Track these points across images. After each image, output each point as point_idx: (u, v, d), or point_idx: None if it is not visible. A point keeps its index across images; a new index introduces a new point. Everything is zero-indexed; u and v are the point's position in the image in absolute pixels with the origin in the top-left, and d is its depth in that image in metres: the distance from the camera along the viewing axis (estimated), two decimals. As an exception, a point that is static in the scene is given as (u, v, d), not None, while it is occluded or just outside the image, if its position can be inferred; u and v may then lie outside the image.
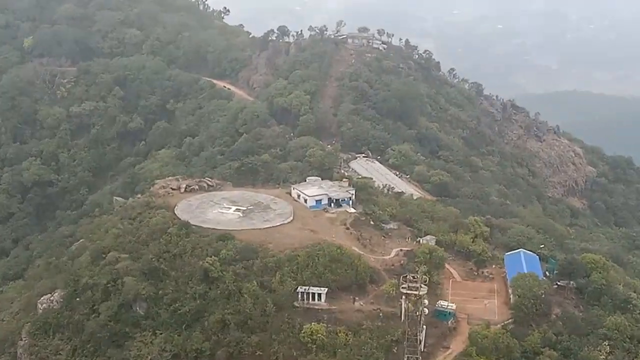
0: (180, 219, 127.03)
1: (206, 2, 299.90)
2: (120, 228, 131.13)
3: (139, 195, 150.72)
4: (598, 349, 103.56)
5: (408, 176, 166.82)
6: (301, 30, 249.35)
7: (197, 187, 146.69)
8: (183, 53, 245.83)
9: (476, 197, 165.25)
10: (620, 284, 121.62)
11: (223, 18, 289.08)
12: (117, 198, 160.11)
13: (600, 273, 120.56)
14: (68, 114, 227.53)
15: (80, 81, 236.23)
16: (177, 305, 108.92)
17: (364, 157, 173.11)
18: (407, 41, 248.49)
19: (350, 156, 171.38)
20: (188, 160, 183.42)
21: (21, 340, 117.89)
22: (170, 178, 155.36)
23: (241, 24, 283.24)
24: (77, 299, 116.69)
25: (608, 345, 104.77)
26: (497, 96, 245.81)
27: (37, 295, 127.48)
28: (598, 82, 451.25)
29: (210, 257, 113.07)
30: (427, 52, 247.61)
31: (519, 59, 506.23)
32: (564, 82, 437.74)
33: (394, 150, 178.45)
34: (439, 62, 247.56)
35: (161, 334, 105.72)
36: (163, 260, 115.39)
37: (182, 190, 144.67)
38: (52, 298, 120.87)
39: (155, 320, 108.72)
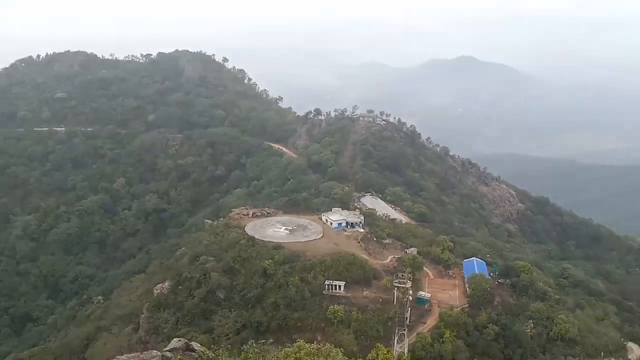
0: (248, 235, 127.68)
1: (267, 92, 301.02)
2: (209, 240, 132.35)
3: (222, 219, 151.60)
4: (525, 325, 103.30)
5: (399, 208, 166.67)
6: (329, 111, 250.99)
7: (259, 213, 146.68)
8: (252, 126, 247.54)
9: (444, 222, 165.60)
10: (540, 282, 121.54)
11: (278, 103, 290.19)
12: (207, 220, 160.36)
13: (526, 274, 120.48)
14: (176, 165, 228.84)
15: (184, 144, 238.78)
16: (245, 292, 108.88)
17: (370, 195, 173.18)
18: (399, 119, 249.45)
19: (360, 194, 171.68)
20: (254, 196, 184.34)
21: (142, 313, 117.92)
22: (242, 207, 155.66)
23: (290, 107, 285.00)
24: (180, 287, 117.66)
25: (532, 322, 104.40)
26: (458, 156, 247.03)
27: (153, 284, 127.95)
28: (527, 146, 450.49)
29: (268, 260, 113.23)
30: (412, 126, 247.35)
31: (473, 130, 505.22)
32: (504, 146, 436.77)
33: (389, 191, 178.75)
34: (419, 133, 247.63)
35: (234, 311, 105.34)
36: (236, 262, 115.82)
37: (250, 215, 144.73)
38: (163, 286, 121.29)
39: (230, 302, 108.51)
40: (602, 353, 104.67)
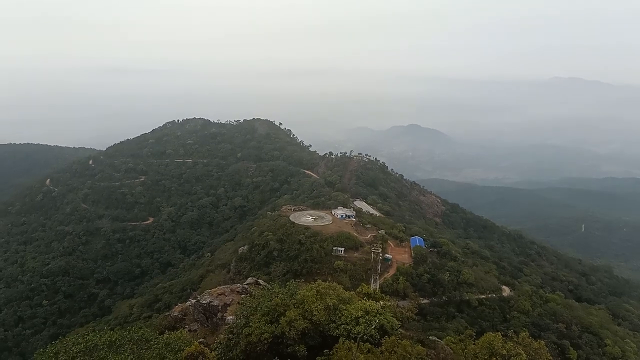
0: (290, 221, 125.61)
1: (303, 142, 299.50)
2: (269, 223, 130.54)
3: (276, 211, 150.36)
4: (445, 275, 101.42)
5: (375, 207, 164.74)
6: (337, 153, 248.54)
7: (297, 209, 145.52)
8: (294, 160, 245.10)
9: (400, 216, 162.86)
10: (453, 251, 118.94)
11: (308, 147, 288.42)
12: (268, 212, 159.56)
13: (445, 246, 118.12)
14: (252, 181, 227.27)
15: (257, 170, 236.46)
16: (289, 252, 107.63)
17: (359, 200, 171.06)
18: (375, 158, 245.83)
19: (353, 199, 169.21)
20: (295, 199, 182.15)
21: (232, 263, 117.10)
22: (287, 205, 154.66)
23: (315, 150, 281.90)
24: (253, 249, 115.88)
25: (448, 273, 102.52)
26: (408, 179, 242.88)
27: (238, 247, 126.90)
28: (448, 175, 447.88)
29: (301, 235, 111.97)
30: (383, 162, 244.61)
31: (416, 166, 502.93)
32: (435, 174, 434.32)
33: (370, 198, 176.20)
34: (387, 166, 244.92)
35: (283, 263, 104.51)
36: (284, 235, 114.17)
37: (292, 210, 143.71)
38: (244, 248, 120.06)
39: (281, 258, 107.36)
40: (487, 291, 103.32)
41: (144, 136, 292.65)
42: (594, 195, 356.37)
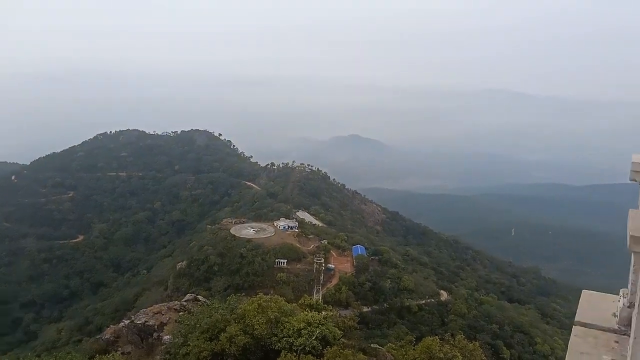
0: (231, 234, 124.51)
1: (243, 152, 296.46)
2: (209, 237, 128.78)
3: (217, 224, 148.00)
4: (386, 282, 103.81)
5: (317, 217, 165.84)
6: (281, 164, 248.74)
7: (238, 222, 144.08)
8: (234, 172, 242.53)
9: (342, 225, 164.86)
10: (393, 258, 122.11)
11: (250, 158, 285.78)
12: (208, 226, 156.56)
13: (386, 254, 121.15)
14: (190, 194, 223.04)
15: (196, 182, 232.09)
16: (230, 266, 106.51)
17: (301, 210, 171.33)
18: (317, 168, 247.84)
19: (296, 210, 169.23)
20: (235, 211, 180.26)
21: (170, 280, 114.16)
22: (228, 218, 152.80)
23: (257, 161, 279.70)
24: (192, 264, 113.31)
25: (389, 280, 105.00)
26: (350, 188, 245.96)
27: (176, 262, 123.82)
28: (386, 184, 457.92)
29: (243, 248, 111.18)
30: (325, 172, 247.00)
31: (358, 175, 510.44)
32: (375, 184, 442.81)
33: (312, 208, 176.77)
34: (329, 176, 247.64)
35: (223, 277, 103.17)
36: (225, 249, 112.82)
37: (233, 223, 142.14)
38: (182, 264, 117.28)
39: (221, 272, 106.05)
40: (427, 296, 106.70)
41: (72, 149, 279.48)
42: (523, 200, 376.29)
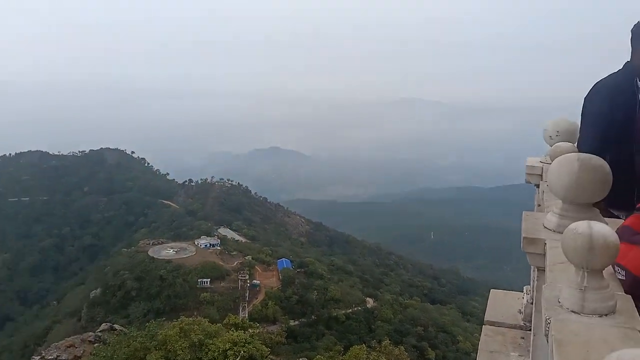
0: (150, 256, 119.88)
1: (159, 170, 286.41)
2: (125, 261, 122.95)
3: (133, 248, 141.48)
4: (313, 294, 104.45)
5: (240, 233, 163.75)
6: (199, 180, 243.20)
7: (157, 242, 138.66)
8: (150, 190, 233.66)
9: (266, 240, 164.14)
10: (319, 269, 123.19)
11: (166, 176, 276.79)
12: (124, 249, 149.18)
13: (312, 265, 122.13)
14: (103, 217, 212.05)
15: (108, 203, 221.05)
16: (149, 290, 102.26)
17: (223, 227, 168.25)
18: (238, 183, 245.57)
19: (217, 227, 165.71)
20: (153, 232, 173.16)
21: (83, 310, 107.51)
22: (145, 240, 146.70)
23: (174, 178, 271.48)
24: (107, 291, 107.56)
25: (316, 292, 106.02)
26: (272, 201, 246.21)
27: (89, 290, 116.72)
28: (310, 195, 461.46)
29: (162, 270, 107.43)
30: (246, 186, 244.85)
31: (280, 188, 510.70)
32: (298, 195, 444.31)
33: (234, 224, 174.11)
34: (250, 190, 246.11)
35: (142, 303, 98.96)
36: (142, 272, 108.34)
37: (150, 244, 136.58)
38: (96, 292, 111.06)
39: (140, 297, 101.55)
40: (353, 305, 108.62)
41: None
42: (439, 203, 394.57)
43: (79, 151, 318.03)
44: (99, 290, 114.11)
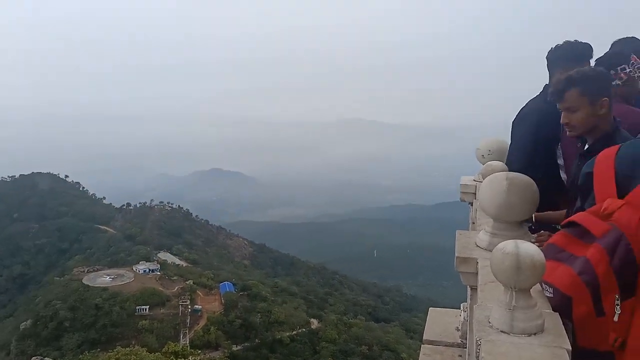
0: (85, 284, 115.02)
1: (95, 194, 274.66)
2: (58, 290, 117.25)
3: (67, 275, 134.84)
4: (256, 317, 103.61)
5: (181, 257, 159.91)
6: (137, 204, 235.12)
7: (92, 269, 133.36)
8: (86, 215, 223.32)
9: (208, 263, 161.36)
10: (263, 291, 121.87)
11: (102, 200, 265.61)
12: (56, 277, 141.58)
13: (256, 287, 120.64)
14: (34, 244, 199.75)
15: (41, 230, 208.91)
16: (83, 320, 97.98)
17: (163, 251, 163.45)
18: (179, 206, 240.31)
19: (157, 251, 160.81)
20: (88, 259, 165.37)
21: (12, 343, 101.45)
22: (80, 267, 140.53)
23: (110, 202, 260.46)
24: (38, 323, 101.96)
25: (259, 314, 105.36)
26: (213, 224, 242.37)
27: (20, 323, 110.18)
28: (254, 216, 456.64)
29: (98, 298, 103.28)
30: (187, 209, 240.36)
31: (222, 210, 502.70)
32: (240, 217, 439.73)
33: (175, 248, 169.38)
34: (192, 213, 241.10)
35: (77, 333, 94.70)
36: (77, 302, 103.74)
37: (85, 272, 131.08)
38: (26, 324, 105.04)
39: (74, 328, 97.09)
40: (298, 326, 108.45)
41: None
42: (382, 222, 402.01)
43: (8, 176, 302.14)
44: (29, 321, 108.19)
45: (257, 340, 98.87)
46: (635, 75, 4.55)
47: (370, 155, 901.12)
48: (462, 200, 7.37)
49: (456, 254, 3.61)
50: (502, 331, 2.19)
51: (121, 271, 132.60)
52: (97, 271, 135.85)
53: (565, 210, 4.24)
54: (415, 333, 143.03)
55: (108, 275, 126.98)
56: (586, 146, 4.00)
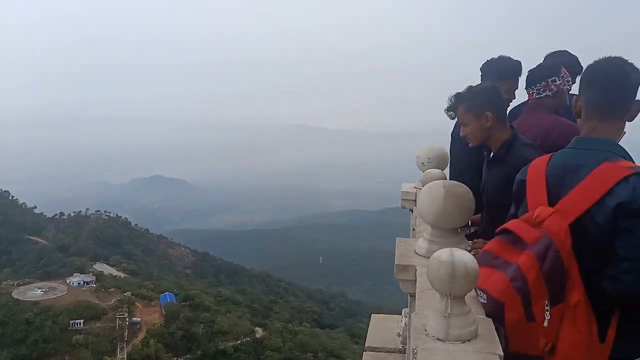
0: (15, 298, 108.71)
1: (25, 203, 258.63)
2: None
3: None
4: (199, 328, 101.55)
5: (119, 268, 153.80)
6: (71, 213, 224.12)
7: (22, 283, 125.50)
8: (15, 225, 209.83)
9: (148, 274, 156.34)
10: (206, 301, 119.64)
11: (33, 210, 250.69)
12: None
13: (198, 297, 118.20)
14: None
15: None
16: (13, 336, 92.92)
17: (99, 262, 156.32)
18: (117, 214, 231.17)
19: (93, 262, 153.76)
20: (18, 271, 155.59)
21: None
22: (9, 280, 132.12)
23: (42, 212, 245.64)
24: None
25: (202, 325, 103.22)
26: (154, 232, 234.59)
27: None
28: (197, 223, 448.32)
29: (29, 312, 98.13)
30: (126, 217, 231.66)
31: (164, 218, 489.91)
32: (183, 225, 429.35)
33: (112, 258, 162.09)
34: (131, 222, 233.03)
35: (6, 349, 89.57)
36: (6, 317, 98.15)
37: (15, 285, 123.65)
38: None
39: (3, 344, 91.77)
40: (242, 336, 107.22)
41: None
42: (328, 228, 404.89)
43: None
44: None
45: (199, 352, 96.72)
46: (565, 87, 4.82)
47: (315, 161, 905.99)
48: (403, 207, 7.51)
49: (396, 262, 3.65)
50: (437, 339, 2.21)
51: (53, 284, 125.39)
52: (27, 284, 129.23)
53: (479, 215, 4.64)
54: (360, 338, 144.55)
55: (39, 289, 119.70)
56: (492, 154, 4.36)
